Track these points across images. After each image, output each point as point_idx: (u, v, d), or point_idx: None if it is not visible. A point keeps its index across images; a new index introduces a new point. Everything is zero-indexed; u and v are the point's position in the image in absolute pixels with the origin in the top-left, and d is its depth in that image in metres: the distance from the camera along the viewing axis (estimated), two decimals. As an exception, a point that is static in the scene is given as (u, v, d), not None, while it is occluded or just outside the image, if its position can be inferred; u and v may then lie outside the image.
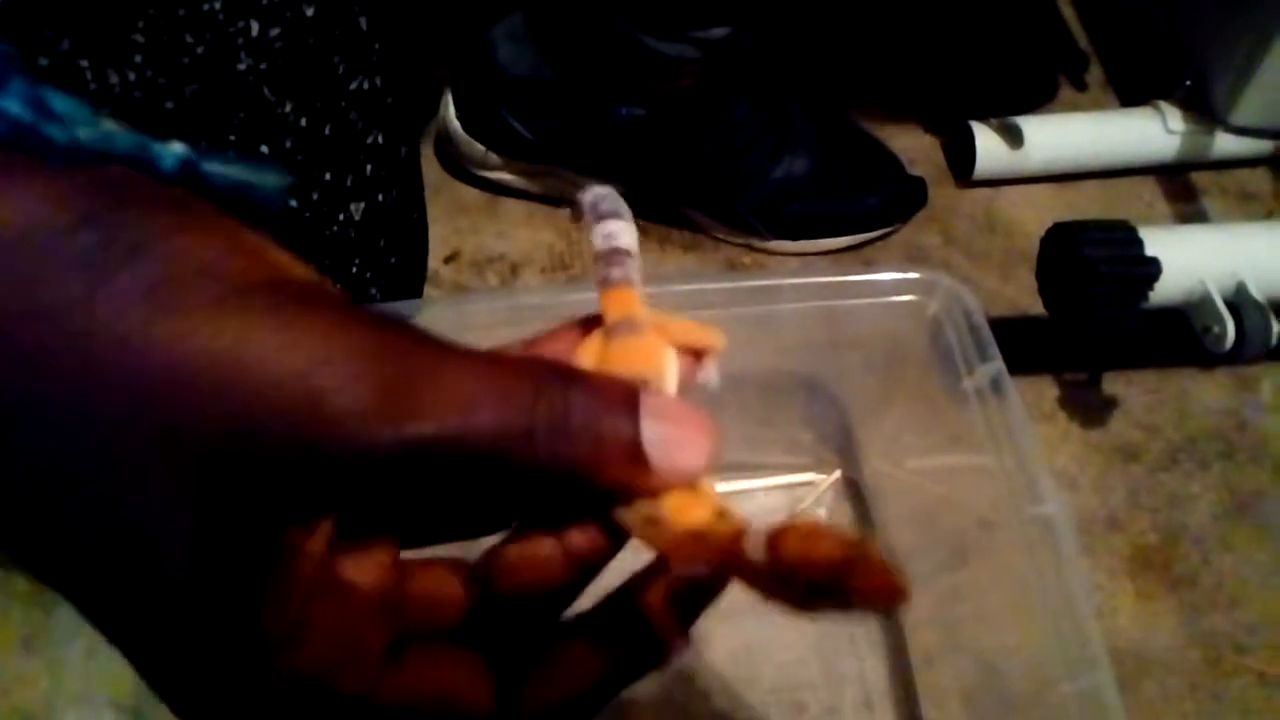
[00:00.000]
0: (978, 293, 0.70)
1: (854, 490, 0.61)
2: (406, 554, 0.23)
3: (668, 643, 0.22)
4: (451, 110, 0.72)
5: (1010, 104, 0.79)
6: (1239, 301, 0.56)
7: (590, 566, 0.23)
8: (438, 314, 0.47)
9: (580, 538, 0.22)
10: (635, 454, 0.20)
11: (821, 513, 0.61)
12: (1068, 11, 0.89)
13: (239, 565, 0.18)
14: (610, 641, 0.22)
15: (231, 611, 0.18)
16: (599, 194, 0.26)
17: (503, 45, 0.68)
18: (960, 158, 0.78)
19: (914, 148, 0.79)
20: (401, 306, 0.47)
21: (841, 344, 0.53)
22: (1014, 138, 0.76)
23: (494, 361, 0.20)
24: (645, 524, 0.21)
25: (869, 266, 0.72)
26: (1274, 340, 0.55)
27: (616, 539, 0.22)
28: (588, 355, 0.23)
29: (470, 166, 0.74)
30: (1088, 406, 0.67)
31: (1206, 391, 0.68)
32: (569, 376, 0.20)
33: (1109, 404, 0.67)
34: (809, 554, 0.20)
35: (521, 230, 0.74)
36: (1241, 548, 0.61)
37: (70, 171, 0.18)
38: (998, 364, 0.46)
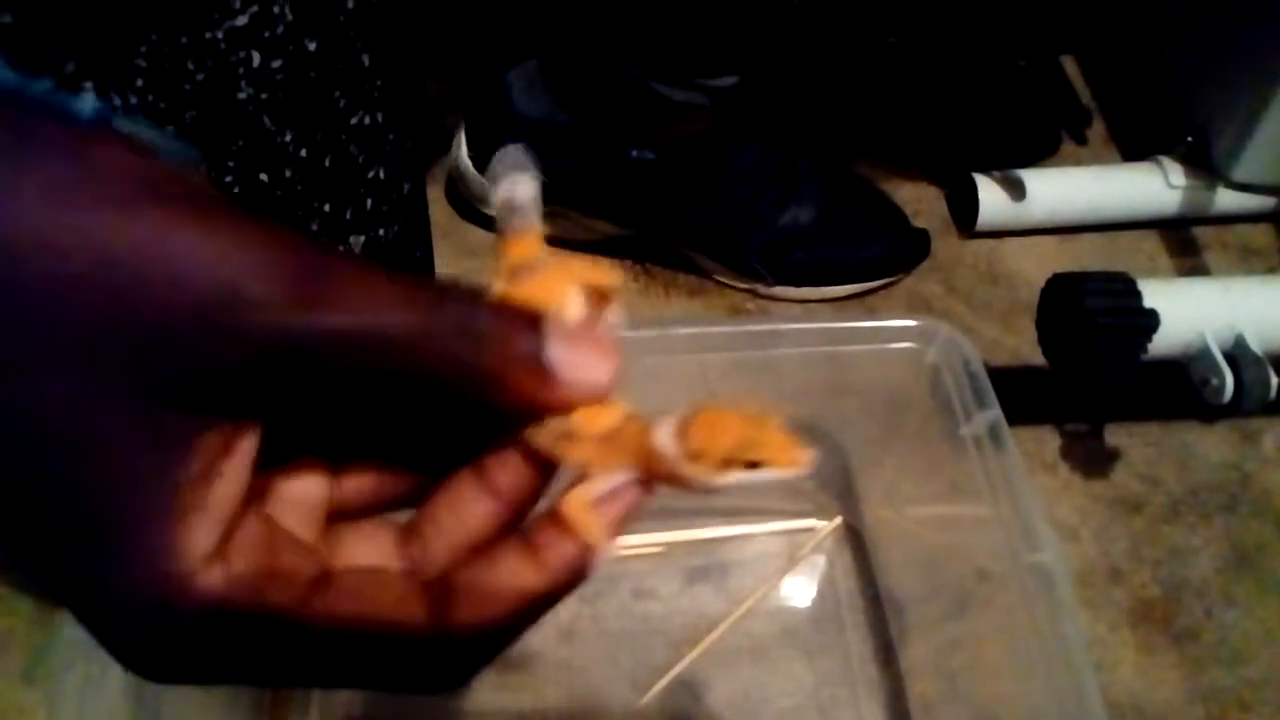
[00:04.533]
0: (980, 343, 0.71)
1: (854, 537, 0.61)
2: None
3: (594, 547, 0.22)
4: (464, 150, 0.73)
5: (1013, 158, 0.80)
6: (1238, 354, 0.56)
7: (518, 504, 0.23)
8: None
9: (504, 474, 0.23)
10: (541, 369, 0.21)
11: (821, 558, 0.61)
12: (1071, 68, 0.91)
13: (163, 473, 0.18)
14: (538, 553, 0.22)
15: (155, 523, 0.18)
16: (502, 152, 0.27)
17: (517, 87, 0.69)
18: (963, 209, 0.79)
19: (918, 199, 0.80)
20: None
21: (842, 390, 0.54)
22: (1016, 190, 0.77)
23: (404, 275, 0.20)
24: (558, 439, 0.22)
25: (871, 314, 0.72)
26: (1273, 393, 0.55)
27: (540, 470, 0.23)
28: (495, 291, 0.25)
29: (481, 206, 0.75)
30: (1089, 457, 0.67)
31: (1208, 444, 0.68)
32: (475, 294, 0.21)
33: (1111, 455, 0.67)
34: (715, 434, 0.22)
35: (529, 273, 0.75)
36: (1244, 602, 0.61)
37: None
38: (995, 412, 0.46)
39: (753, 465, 0.22)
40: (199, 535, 0.19)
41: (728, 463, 0.22)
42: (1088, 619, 0.60)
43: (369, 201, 0.48)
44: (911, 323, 0.50)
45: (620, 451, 0.22)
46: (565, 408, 0.22)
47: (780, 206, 0.71)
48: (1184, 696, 0.57)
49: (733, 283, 0.74)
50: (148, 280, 0.17)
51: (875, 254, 0.73)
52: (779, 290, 0.73)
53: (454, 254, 0.75)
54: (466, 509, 0.23)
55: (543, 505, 0.24)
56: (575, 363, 0.21)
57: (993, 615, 0.49)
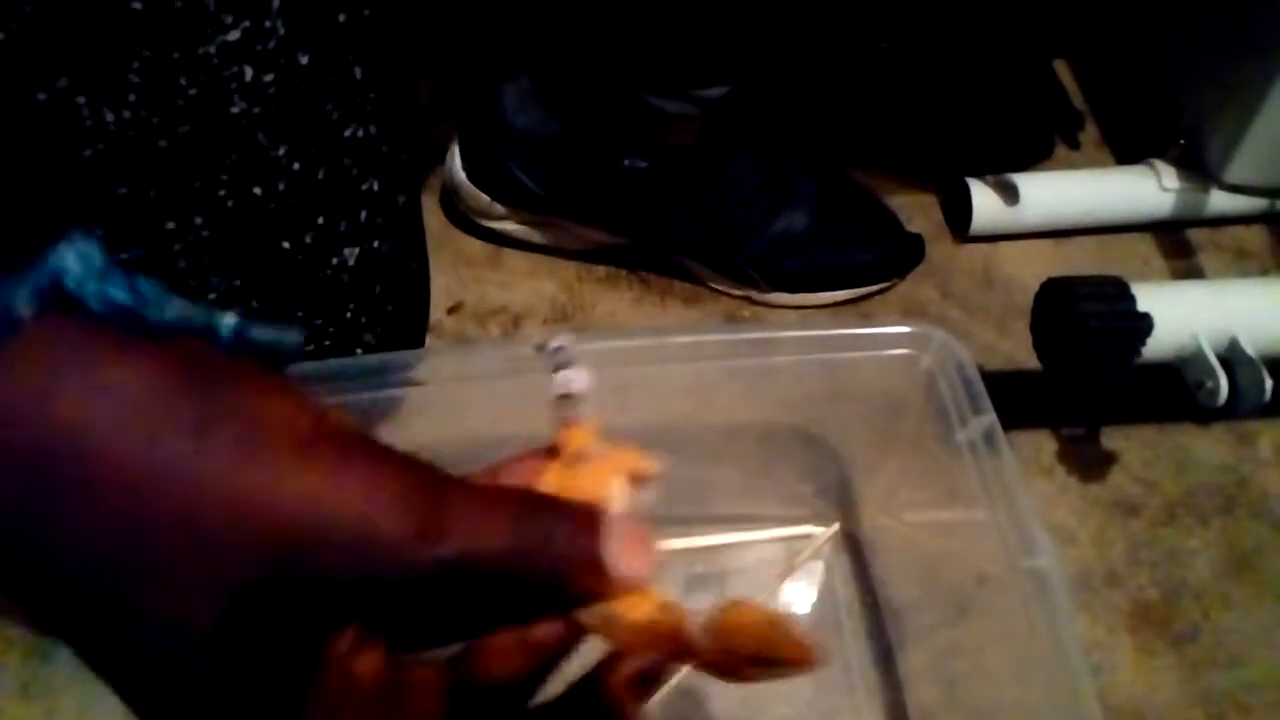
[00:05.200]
0: (975, 347, 0.71)
1: (852, 543, 0.61)
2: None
3: (628, 717, 0.27)
4: (458, 161, 0.73)
5: (1007, 162, 0.81)
6: (1232, 357, 0.56)
7: (550, 655, 0.27)
8: (440, 363, 0.47)
9: (541, 630, 0.27)
10: (599, 566, 0.25)
11: (819, 565, 0.61)
12: (1063, 72, 0.91)
13: (282, 671, 0.23)
14: (579, 718, 0.27)
15: (271, 711, 0.23)
16: (556, 345, 0.32)
17: (510, 100, 0.69)
18: (957, 214, 0.79)
19: (912, 204, 0.80)
20: (404, 355, 0.47)
21: (838, 396, 0.54)
22: (1010, 195, 0.77)
23: (499, 495, 0.25)
24: (603, 622, 0.26)
25: (866, 320, 0.73)
26: (1267, 396, 0.55)
27: (573, 632, 0.27)
28: (548, 482, 0.28)
29: (475, 217, 0.75)
30: (1086, 461, 0.67)
31: (1205, 447, 0.68)
32: (553, 505, 0.25)
33: (1108, 459, 0.67)
34: (742, 636, 0.25)
35: (524, 282, 0.75)
36: (1242, 604, 0.61)
37: (163, 346, 0.22)
38: (990, 416, 0.46)
39: (773, 668, 0.26)
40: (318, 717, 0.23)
41: (750, 660, 0.26)
42: (1086, 622, 0.60)
43: (363, 214, 0.48)
44: (906, 328, 0.50)
45: (656, 639, 0.26)
46: (611, 595, 0.25)
47: (774, 213, 0.71)
48: (1182, 699, 0.57)
49: (727, 289, 0.74)
50: (302, 524, 0.22)
51: (869, 259, 0.73)
52: (773, 296, 0.73)
53: (450, 264, 0.75)
54: (504, 649, 0.27)
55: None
56: (624, 558, 0.25)
57: (991, 620, 0.49)
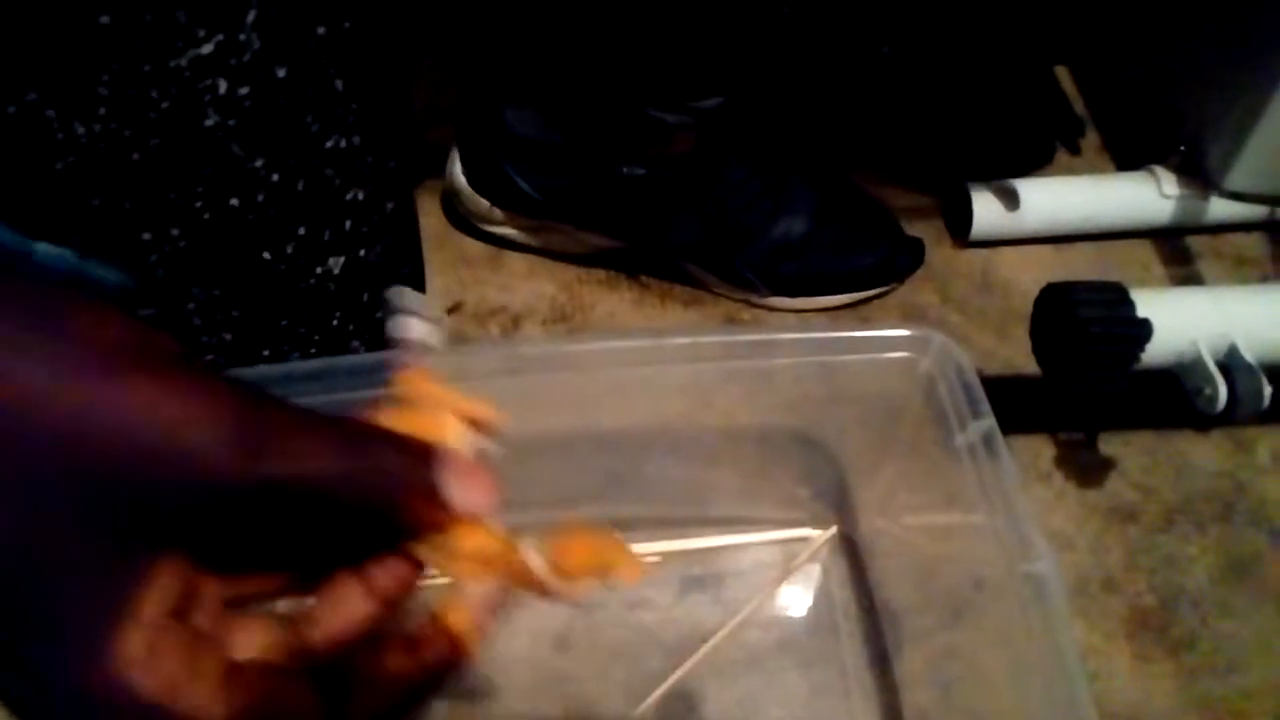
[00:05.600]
0: (974, 352, 0.71)
1: (849, 546, 0.61)
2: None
3: (468, 646, 0.27)
4: (458, 166, 0.73)
5: (1007, 167, 0.81)
6: (1231, 364, 0.56)
7: (397, 602, 0.27)
8: (439, 363, 0.47)
9: (384, 577, 0.27)
10: (432, 494, 0.25)
11: (816, 568, 0.61)
12: (1065, 78, 0.91)
13: (106, 590, 0.22)
14: (421, 651, 0.27)
15: (96, 630, 0.22)
16: (395, 293, 0.32)
17: (509, 106, 0.69)
18: (957, 219, 0.79)
19: (912, 208, 0.80)
20: (401, 355, 0.47)
21: (837, 399, 0.54)
22: (1011, 200, 0.77)
23: (326, 421, 0.24)
24: (439, 554, 0.27)
25: (865, 323, 0.73)
26: (1266, 402, 0.55)
27: (417, 574, 0.27)
28: (384, 423, 0.29)
29: (475, 221, 0.75)
30: (1084, 467, 0.67)
31: (1203, 454, 0.68)
32: (385, 434, 0.26)
33: (1106, 464, 0.67)
34: (573, 554, 0.27)
35: (524, 283, 0.75)
36: (1240, 611, 0.61)
37: None
38: (989, 421, 0.46)
39: (601, 576, 0.28)
40: (132, 643, 0.22)
41: (584, 575, 0.28)
42: (1083, 628, 0.60)
43: (348, 223, 0.48)
44: (906, 332, 0.50)
45: (493, 567, 0.27)
46: (447, 527, 0.26)
47: (773, 217, 0.71)
48: (1179, 706, 0.57)
49: (727, 293, 0.74)
50: (118, 437, 0.21)
51: (869, 263, 0.73)
52: (773, 300, 0.73)
53: (450, 264, 0.75)
54: (348, 607, 0.27)
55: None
56: (462, 490, 0.25)
57: (988, 625, 0.49)
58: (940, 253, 0.78)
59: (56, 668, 0.22)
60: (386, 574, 0.27)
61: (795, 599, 0.60)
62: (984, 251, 0.78)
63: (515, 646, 0.57)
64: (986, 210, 0.77)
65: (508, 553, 0.27)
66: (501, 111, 0.69)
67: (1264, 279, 0.78)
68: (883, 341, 0.50)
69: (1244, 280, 0.78)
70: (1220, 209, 0.77)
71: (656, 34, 0.62)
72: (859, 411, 0.55)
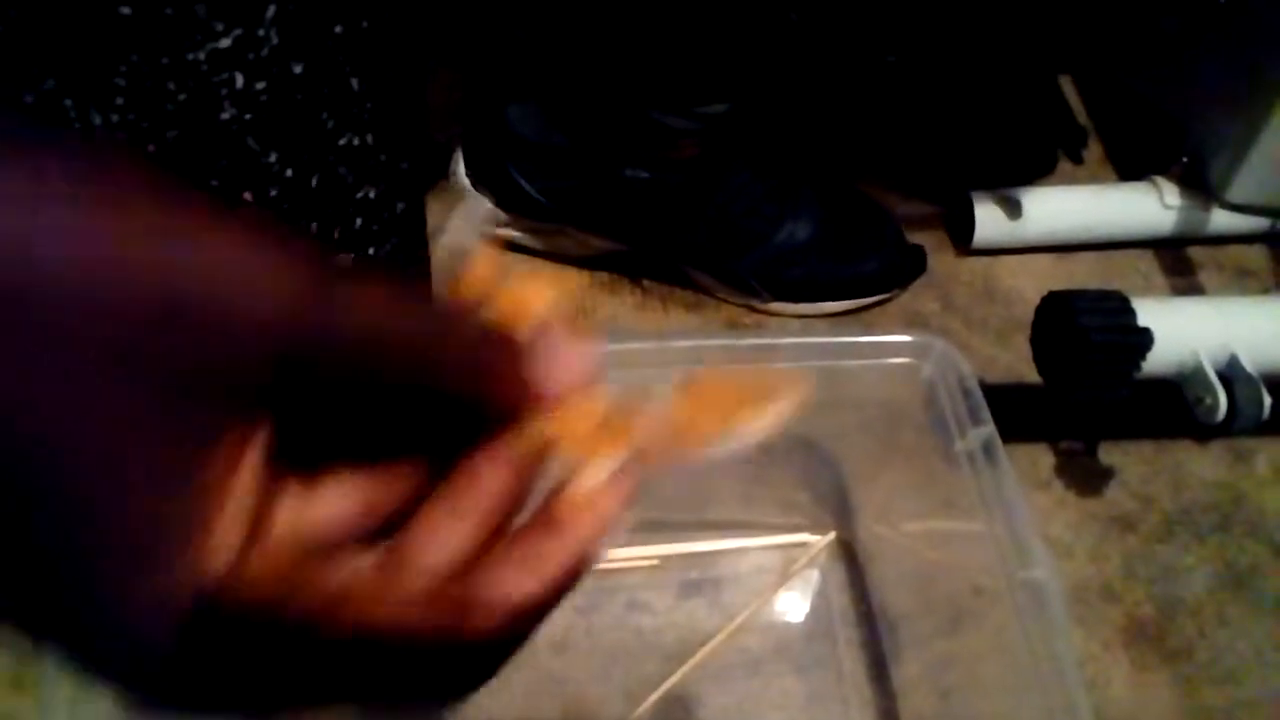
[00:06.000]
0: (975, 359, 0.71)
1: (848, 552, 0.61)
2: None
3: (589, 546, 0.23)
4: (462, 168, 0.73)
5: (1010, 176, 0.81)
6: (1231, 374, 0.56)
7: (504, 519, 0.23)
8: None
9: (483, 492, 0.23)
10: (528, 366, 0.22)
11: (815, 573, 0.61)
12: (1068, 88, 0.91)
13: (185, 469, 0.18)
14: (533, 562, 0.23)
15: (179, 525, 0.18)
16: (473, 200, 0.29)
17: (514, 109, 0.69)
18: (960, 227, 0.79)
19: (915, 216, 0.80)
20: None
21: (837, 405, 0.54)
22: (1013, 209, 0.77)
23: (401, 285, 0.21)
24: (545, 441, 0.23)
25: (867, 329, 0.73)
26: (1266, 413, 0.55)
27: (523, 484, 0.23)
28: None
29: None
30: (1084, 475, 0.67)
31: (1203, 464, 0.68)
32: (463, 308, 0.23)
33: (1105, 474, 0.67)
34: (707, 401, 0.24)
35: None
36: (1238, 621, 0.61)
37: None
38: (989, 428, 0.46)
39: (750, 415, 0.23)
40: (227, 534, 0.19)
41: (723, 422, 0.23)
42: (1081, 637, 0.60)
43: (358, 221, 0.48)
44: (907, 338, 0.50)
45: (612, 436, 0.23)
46: (551, 403, 0.22)
47: (776, 223, 0.71)
48: (1176, 715, 0.57)
49: (730, 298, 0.75)
50: (171, 283, 0.18)
51: (871, 270, 0.73)
52: (776, 306, 0.73)
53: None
54: (444, 535, 0.22)
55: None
56: (558, 357, 0.22)
57: (986, 632, 0.49)
58: (942, 260, 0.78)
59: (130, 577, 0.18)
60: (485, 487, 0.23)
61: (793, 604, 0.60)
62: (986, 260, 0.78)
63: (513, 648, 0.57)
64: (989, 218, 0.77)
65: (626, 418, 0.23)
66: (505, 112, 0.69)
67: (1265, 290, 0.78)
68: (884, 348, 0.50)
69: (1245, 291, 0.78)
70: (1222, 220, 0.77)
71: (664, 39, 0.62)
72: (859, 417, 0.55)
